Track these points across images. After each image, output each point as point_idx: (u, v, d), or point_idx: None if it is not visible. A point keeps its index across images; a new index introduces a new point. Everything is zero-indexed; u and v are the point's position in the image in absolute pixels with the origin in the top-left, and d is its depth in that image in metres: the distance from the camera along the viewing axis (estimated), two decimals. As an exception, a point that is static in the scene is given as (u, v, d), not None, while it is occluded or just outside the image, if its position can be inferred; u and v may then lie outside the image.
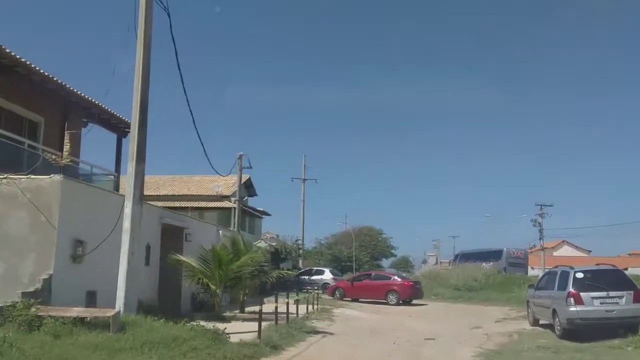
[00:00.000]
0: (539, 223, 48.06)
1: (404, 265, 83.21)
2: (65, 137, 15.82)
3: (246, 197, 36.29)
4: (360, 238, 66.05)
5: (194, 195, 35.20)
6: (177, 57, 11.48)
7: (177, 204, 30.63)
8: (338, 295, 27.77)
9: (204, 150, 14.00)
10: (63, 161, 11.88)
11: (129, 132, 17.88)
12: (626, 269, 50.56)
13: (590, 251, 67.15)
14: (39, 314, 8.41)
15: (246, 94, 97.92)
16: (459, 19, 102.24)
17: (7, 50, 12.02)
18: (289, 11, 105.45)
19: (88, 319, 8.67)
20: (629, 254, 76.37)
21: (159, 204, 28.24)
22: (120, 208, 10.81)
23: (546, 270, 19.90)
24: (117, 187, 17.80)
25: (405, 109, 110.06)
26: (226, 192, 34.26)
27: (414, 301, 26.27)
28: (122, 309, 9.51)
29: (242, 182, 32.90)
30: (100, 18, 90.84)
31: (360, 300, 26.59)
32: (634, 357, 10.19)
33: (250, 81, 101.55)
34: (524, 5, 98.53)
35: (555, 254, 66.19)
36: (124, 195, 10.85)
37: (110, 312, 8.66)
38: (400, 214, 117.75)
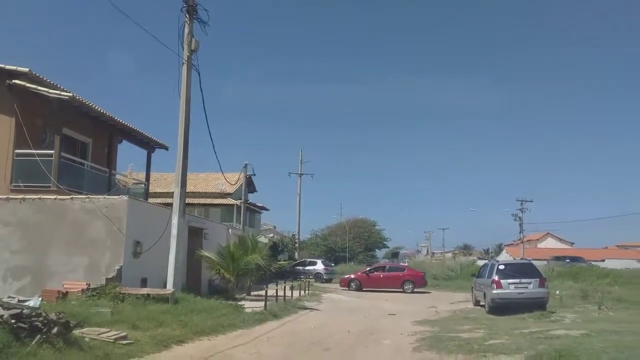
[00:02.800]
0: (520, 217, 53.07)
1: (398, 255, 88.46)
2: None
3: (247, 195, 40.72)
4: (354, 230, 70.71)
5: (200, 192, 39.63)
6: (203, 103, 16.13)
7: (186, 200, 35.04)
8: (354, 287, 30.44)
9: (218, 161, 19.07)
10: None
11: (157, 148, 22.70)
12: (603, 260, 55.73)
13: (573, 243, 72.20)
14: (122, 292, 13.18)
15: (244, 91, 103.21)
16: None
17: (77, 97, 16.68)
18: (277, 11, 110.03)
19: (152, 295, 13.45)
20: (617, 246, 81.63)
21: (168, 200, 32.87)
22: (165, 218, 15.60)
23: (484, 263, 24.75)
24: (146, 194, 22.59)
25: (399, 106, 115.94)
26: (229, 190, 38.68)
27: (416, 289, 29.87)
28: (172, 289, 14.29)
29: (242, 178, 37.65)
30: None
31: (376, 290, 29.47)
32: (511, 322, 14.68)
33: (247, 78, 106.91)
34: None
35: (539, 245, 71.37)
36: (170, 209, 15.59)
37: (169, 291, 13.49)
38: (394, 207, 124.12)
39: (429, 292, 29.93)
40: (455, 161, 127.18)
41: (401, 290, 29.69)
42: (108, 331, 9.41)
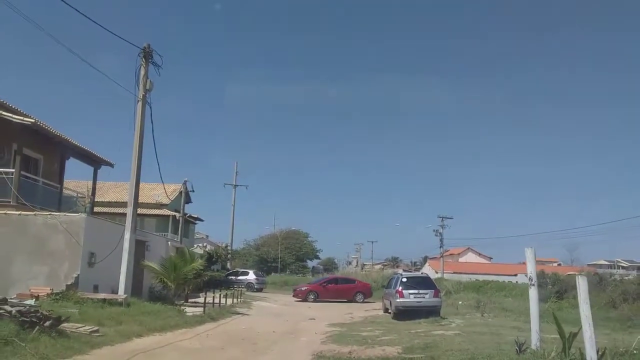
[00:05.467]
0: (440, 233, 58.34)
1: (330, 266, 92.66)
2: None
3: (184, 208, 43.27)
4: (286, 241, 74.12)
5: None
6: (152, 131, 19.09)
7: (120, 210, 37.10)
8: (312, 298, 32.78)
9: (161, 177, 22.04)
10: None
11: (102, 165, 25.26)
12: (516, 274, 62.05)
13: (492, 258, 78.86)
14: (82, 296, 15.98)
15: (182, 103, 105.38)
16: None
17: (39, 122, 19.25)
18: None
19: (108, 300, 16.33)
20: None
21: (104, 209, 35.19)
22: (115, 232, 18.50)
23: (392, 276, 28.91)
24: (92, 207, 25.11)
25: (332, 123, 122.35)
26: (165, 201, 41.06)
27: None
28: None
29: (180, 191, 40.35)
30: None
31: (328, 300, 32.13)
32: (407, 326, 18.52)
33: (186, 88, 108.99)
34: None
35: (460, 259, 77.44)
36: (118, 224, 18.48)
37: (122, 296, 16.42)
38: (326, 219, 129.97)
39: (374, 302, 32.82)
40: (383, 178, 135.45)
41: (353, 300, 32.95)
42: (83, 326, 12.37)
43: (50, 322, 11.07)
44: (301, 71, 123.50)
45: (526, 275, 11.17)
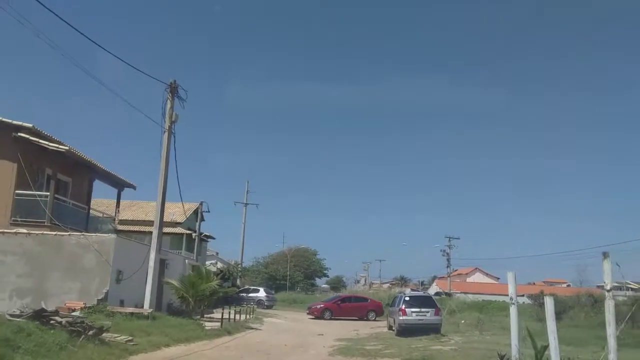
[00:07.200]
0: (447, 253, 59.84)
1: (338, 284, 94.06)
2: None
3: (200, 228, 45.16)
4: (295, 258, 75.71)
5: (151, 220, 43.76)
6: (175, 157, 21.16)
7: (136, 228, 39.12)
8: (328, 315, 34.31)
9: (181, 198, 23.81)
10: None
11: (125, 187, 27.32)
12: (522, 295, 63.26)
13: (499, 278, 79.78)
14: (112, 310, 17.86)
15: (187, 113, 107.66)
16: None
17: (73, 150, 21.31)
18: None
19: (135, 313, 18.20)
20: (544, 282, 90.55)
21: (120, 227, 37.07)
22: (140, 252, 20.43)
23: (396, 295, 30.60)
24: (116, 226, 27.16)
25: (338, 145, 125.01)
26: (179, 220, 43.08)
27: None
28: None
29: (194, 210, 42.35)
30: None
31: (342, 318, 33.81)
32: (408, 341, 20.15)
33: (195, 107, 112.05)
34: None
35: (468, 279, 78.69)
36: (147, 246, 20.42)
37: (148, 310, 18.29)
38: (335, 237, 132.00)
39: (383, 320, 33.89)
40: (392, 197, 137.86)
41: (366, 318, 34.58)
42: (119, 336, 14.22)
43: (94, 331, 12.95)
44: (311, 82, 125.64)
45: (511, 295, 12.88)
